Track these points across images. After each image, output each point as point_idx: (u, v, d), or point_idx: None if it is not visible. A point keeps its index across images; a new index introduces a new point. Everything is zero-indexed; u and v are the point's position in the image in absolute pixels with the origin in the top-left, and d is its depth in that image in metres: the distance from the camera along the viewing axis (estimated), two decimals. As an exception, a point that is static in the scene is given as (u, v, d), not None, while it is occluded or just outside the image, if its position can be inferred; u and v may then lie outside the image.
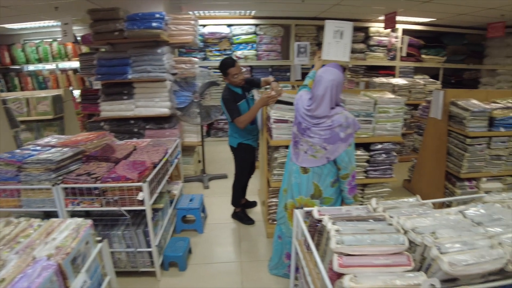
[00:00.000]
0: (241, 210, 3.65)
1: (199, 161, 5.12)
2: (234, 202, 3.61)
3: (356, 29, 6.36)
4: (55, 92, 4.74)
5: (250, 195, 3.96)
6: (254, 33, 6.36)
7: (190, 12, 4.66)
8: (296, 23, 6.23)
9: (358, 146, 3.09)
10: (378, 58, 6.57)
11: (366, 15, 5.96)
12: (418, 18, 5.96)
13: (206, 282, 2.67)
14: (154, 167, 2.66)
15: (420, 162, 4.16)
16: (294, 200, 2.39)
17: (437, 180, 3.74)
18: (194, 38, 4.39)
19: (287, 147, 2.86)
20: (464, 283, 1.27)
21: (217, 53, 6.38)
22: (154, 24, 3.69)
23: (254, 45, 6.44)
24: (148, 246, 2.57)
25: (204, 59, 6.38)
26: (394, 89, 5.49)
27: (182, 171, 3.91)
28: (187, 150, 4.93)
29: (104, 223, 2.58)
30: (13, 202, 2.37)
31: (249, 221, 3.56)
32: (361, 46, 6.46)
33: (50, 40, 6.45)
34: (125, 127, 4.18)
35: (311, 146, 2.19)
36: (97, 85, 4.15)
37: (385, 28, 5.45)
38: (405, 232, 1.42)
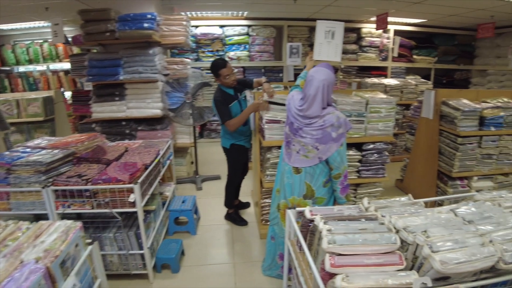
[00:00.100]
0: (234, 211, 3.64)
1: (192, 162, 5.11)
2: (227, 203, 3.59)
3: (348, 30, 6.41)
4: (46, 93, 4.68)
5: (243, 196, 3.95)
6: (247, 34, 6.37)
7: (182, 13, 4.65)
8: (288, 24, 6.25)
9: (350, 146, 3.09)
10: (370, 58, 6.61)
11: (358, 16, 5.99)
12: (409, 19, 6.02)
13: (199, 284, 2.65)
14: (146, 168, 2.64)
15: (412, 161, 4.18)
16: (286, 201, 2.39)
17: (429, 179, 3.77)
18: (186, 39, 4.37)
19: (279, 147, 2.86)
20: (455, 281, 1.28)
21: (210, 54, 6.37)
22: (145, 25, 3.66)
23: (247, 46, 6.44)
24: (140, 248, 2.55)
25: (197, 60, 6.36)
26: (386, 89, 5.53)
27: (174, 173, 3.88)
28: (180, 151, 4.90)
29: (95, 225, 2.55)
30: (2, 205, 2.33)
31: (242, 222, 3.55)
32: (353, 47, 6.50)
33: (41, 41, 6.38)
34: (117, 128, 4.15)
35: (303, 146, 2.19)
36: (89, 86, 4.11)
37: (377, 29, 5.50)
38: (397, 231, 1.42)
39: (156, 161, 2.88)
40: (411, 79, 6.17)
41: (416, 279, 1.17)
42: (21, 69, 6.73)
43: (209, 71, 3.31)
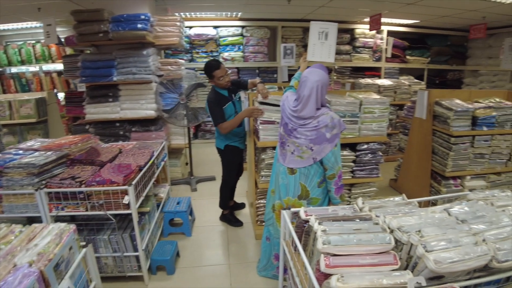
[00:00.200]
0: (229, 212, 3.64)
1: (187, 164, 5.09)
2: (222, 204, 3.59)
3: (342, 31, 6.43)
4: (38, 94, 4.65)
5: (238, 197, 3.95)
6: (241, 34, 6.36)
7: (176, 14, 4.65)
8: (282, 25, 6.26)
9: (344, 146, 3.11)
10: (363, 59, 6.64)
11: (352, 17, 6.02)
12: (402, 20, 6.06)
13: (194, 286, 2.64)
14: (140, 170, 2.62)
15: (406, 161, 4.21)
16: (281, 201, 2.39)
17: (423, 178, 3.79)
18: (180, 40, 4.36)
19: (274, 148, 2.86)
20: (449, 280, 1.29)
21: (204, 55, 6.35)
22: (139, 26, 3.63)
23: (241, 47, 6.43)
24: (135, 250, 2.53)
25: (191, 60, 6.34)
26: (379, 89, 5.56)
27: (169, 174, 3.87)
28: (174, 152, 4.88)
29: (89, 227, 2.54)
30: (-6, 208, 2.31)
31: (237, 223, 3.54)
32: (347, 47, 6.52)
33: (33, 41, 6.30)
34: (111, 130, 4.13)
35: (298, 147, 2.20)
36: (82, 87, 4.07)
37: (370, 29, 5.53)
38: (391, 231, 1.43)
39: (150, 162, 2.87)
40: (405, 80, 6.22)
41: (410, 278, 1.18)
42: (13, 70, 6.63)
43: (203, 72, 3.30)
